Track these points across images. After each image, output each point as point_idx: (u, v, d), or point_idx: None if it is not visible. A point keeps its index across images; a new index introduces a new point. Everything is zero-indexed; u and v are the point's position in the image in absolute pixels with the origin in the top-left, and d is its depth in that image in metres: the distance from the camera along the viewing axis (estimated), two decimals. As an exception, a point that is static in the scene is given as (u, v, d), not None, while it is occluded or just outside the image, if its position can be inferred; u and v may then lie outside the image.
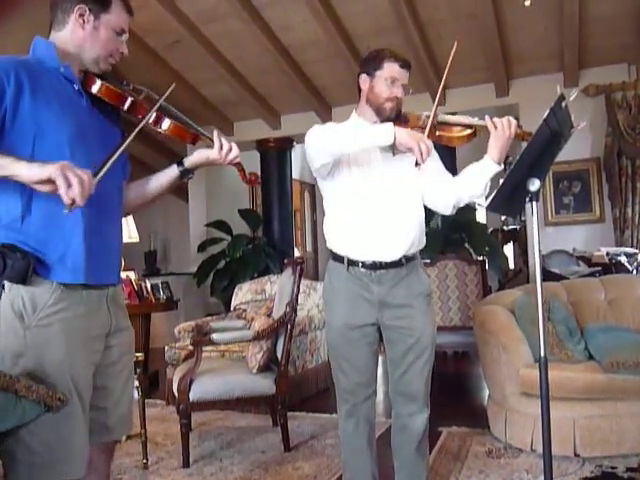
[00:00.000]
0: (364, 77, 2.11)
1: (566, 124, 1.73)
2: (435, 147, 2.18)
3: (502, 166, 2.00)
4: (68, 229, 1.44)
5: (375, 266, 2.06)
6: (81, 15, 1.50)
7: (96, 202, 1.49)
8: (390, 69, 2.05)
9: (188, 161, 1.67)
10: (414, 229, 2.11)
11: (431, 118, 1.97)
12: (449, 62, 1.96)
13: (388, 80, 2.05)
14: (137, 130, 1.50)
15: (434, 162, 2.17)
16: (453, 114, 6.72)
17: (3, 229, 1.41)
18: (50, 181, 1.25)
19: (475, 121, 2.00)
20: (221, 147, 1.61)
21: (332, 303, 2.18)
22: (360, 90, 2.15)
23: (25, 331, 1.39)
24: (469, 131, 2.00)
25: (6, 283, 1.39)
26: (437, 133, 2.02)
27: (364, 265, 2.07)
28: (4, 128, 1.37)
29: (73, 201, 1.26)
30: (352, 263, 2.09)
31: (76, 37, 1.51)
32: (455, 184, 2.13)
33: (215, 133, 1.64)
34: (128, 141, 1.46)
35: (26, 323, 1.39)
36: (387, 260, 2.06)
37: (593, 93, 5.88)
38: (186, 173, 1.68)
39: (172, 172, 1.69)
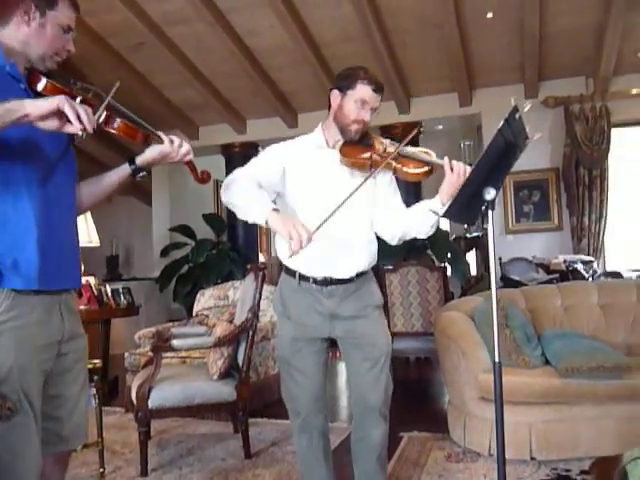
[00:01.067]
0: (335, 93, 2.05)
1: (521, 135, 1.77)
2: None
3: None
4: (21, 234, 1.40)
5: (326, 282, 2.06)
6: (26, 12, 1.46)
7: (51, 203, 1.46)
8: (362, 91, 2.00)
9: (140, 159, 1.64)
10: (365, 249, 2.11)
11: (392, 154, 1.98)
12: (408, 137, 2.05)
13: (358, 102, 2.00)
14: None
15: (390, 193, 2.16)
16: (418, 123, 6.72)
17: None
18: (56, 115, 1.29)
19: (434, 159, 2.00)
20: (171, 141, 1.59)
21: (283, 316, 2.17)
22: (330, 105, 2.09)
23: None
24: (425, 169, 2.00)
25: None
26: (394, 165, 2.02)
27: (315, 281, 2.07)
28: None
29: (84, 128, 1.30)
30: (303, 278, 2.08)
31: (21, 34, 1.47)
32: (404, 219, 2.12)
33: (160, 132, 1.62)
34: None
35: None
36: (338, 277, 2.06)
37: (552, 105, 6.04)
38: (138, 171, 1.64)
39: (124, 170, 1.65)
